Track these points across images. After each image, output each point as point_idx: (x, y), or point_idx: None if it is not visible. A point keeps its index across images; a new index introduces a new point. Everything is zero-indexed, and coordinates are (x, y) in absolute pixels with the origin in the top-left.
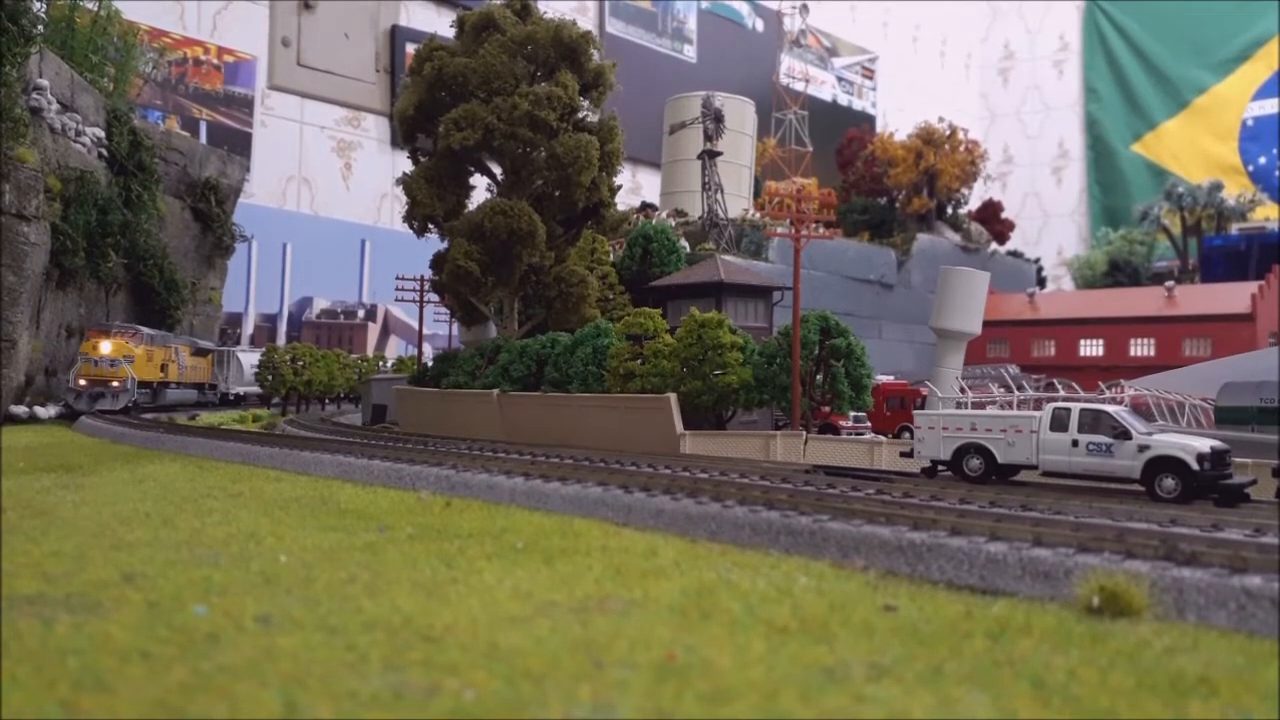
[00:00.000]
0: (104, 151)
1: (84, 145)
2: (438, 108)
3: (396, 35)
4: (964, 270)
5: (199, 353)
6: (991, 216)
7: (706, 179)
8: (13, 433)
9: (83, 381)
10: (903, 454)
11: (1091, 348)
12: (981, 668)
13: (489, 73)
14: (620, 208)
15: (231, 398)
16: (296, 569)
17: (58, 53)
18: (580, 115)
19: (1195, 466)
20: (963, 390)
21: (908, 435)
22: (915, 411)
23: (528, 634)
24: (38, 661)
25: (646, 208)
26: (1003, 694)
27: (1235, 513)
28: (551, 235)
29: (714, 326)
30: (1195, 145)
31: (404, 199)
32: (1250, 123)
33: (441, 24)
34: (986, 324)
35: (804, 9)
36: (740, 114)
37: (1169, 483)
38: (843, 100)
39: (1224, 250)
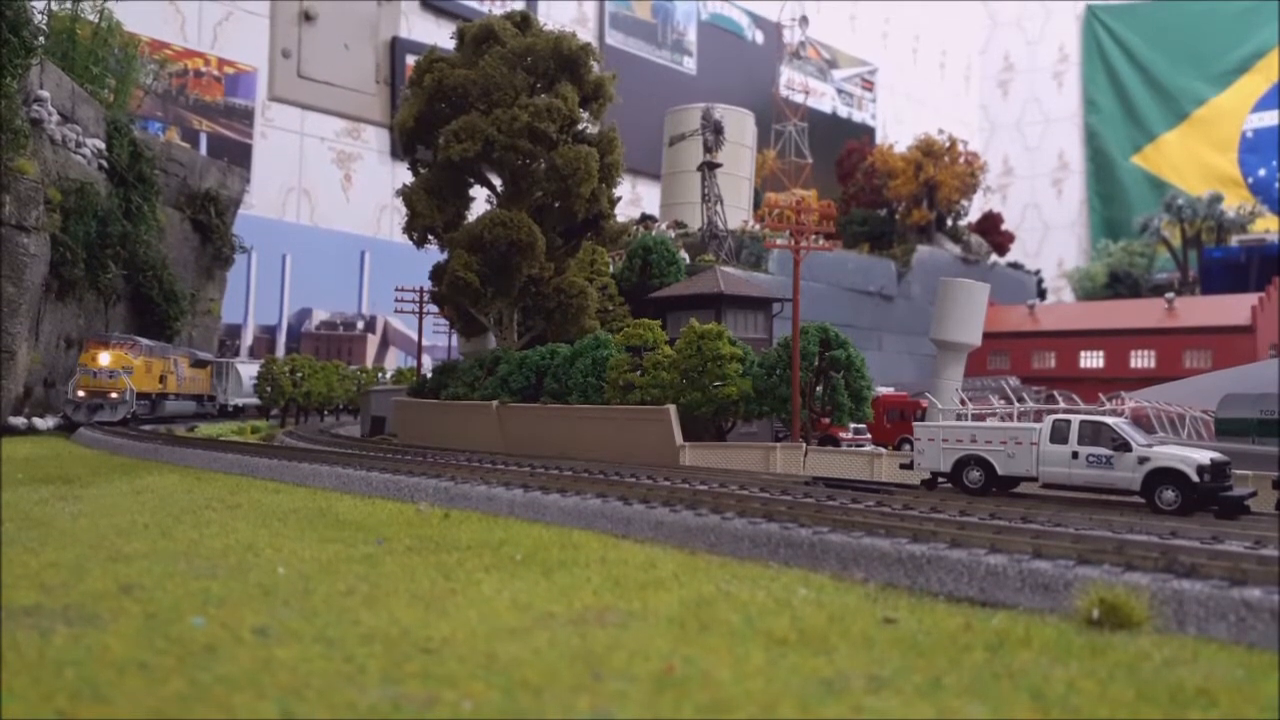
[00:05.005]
0: (104, 163)
1: (84, 156)
2: (438, 119)
3: (397, 47)
4: (964, 282)
5: (198, 364)
6: (991, 228)
7: (706, 191)
8: (11, 444)
9: (81, 393)
10: (902, 466)
11: (1092, 359)
12: (981, 680)
13: (489, 84)
14: (620, 219)
15: (230, 409)
16: (295, 581)
17: (58, 64)
18: (580, 127)
19: (1195, 478)
20: (963, 402)
21: (908, 447)
22: (915, 423)
23: (526, 645)
24: (35, 673)
25: (646, 219)
26: (1002, 706)
27: (1235, 525)
28: (551, 247)
29: (713, 338)
30: (1195, 157)
31: (404, 210)
32: (1250, 135)
33: (442, 35)
34: (987, 336)
35: (803, 21)
36: (740, 126)
37: (1169, 495)
38: (842, 112)
39: (1224, 262)
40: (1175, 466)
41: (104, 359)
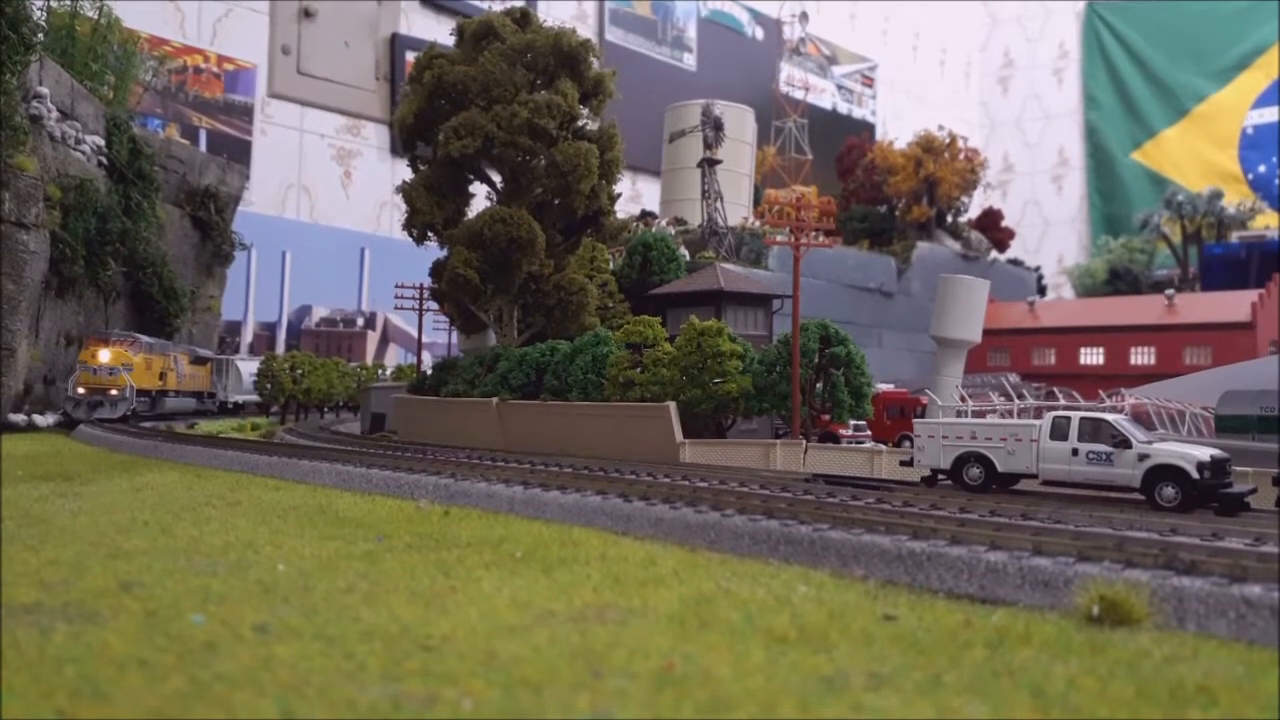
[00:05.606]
0: (104, 159)
1: (84, 153)
2: (437, 116)
3: (396, 43)
4: (964, 278)
5: (198, 361)
6: (991, 224)
7: (706, 187)
8: (11, 441)
9: (81, 390)
10: (902, 463)
11: (1092, 356)
12: (981, 677)
13: (489, 81)
14: (620, 216)
15: (230, 406)
16: (294, 578)
17: (58, 61)
18: (580, 123)
19: (1195, 475)
20: (963, 399)
21: (908, 444)
22: (915, 420)
23: (526, 643)
24: (35, 670)
25: (646, 216)
26: (1002, 703)
27: (1235, 521)
28: (551, 243)
29: (713, 335)
30: (1195, 153)
31: (404, 207)
32: (1250, 131)
33: (441, 32)
34: (987, 332)
35: (803, 17)
36: (740, 122)
37: (1169, 491)
38: (842, 108)
39: (1224, 258)
40: (1175, 463)
41: (104, 356)
